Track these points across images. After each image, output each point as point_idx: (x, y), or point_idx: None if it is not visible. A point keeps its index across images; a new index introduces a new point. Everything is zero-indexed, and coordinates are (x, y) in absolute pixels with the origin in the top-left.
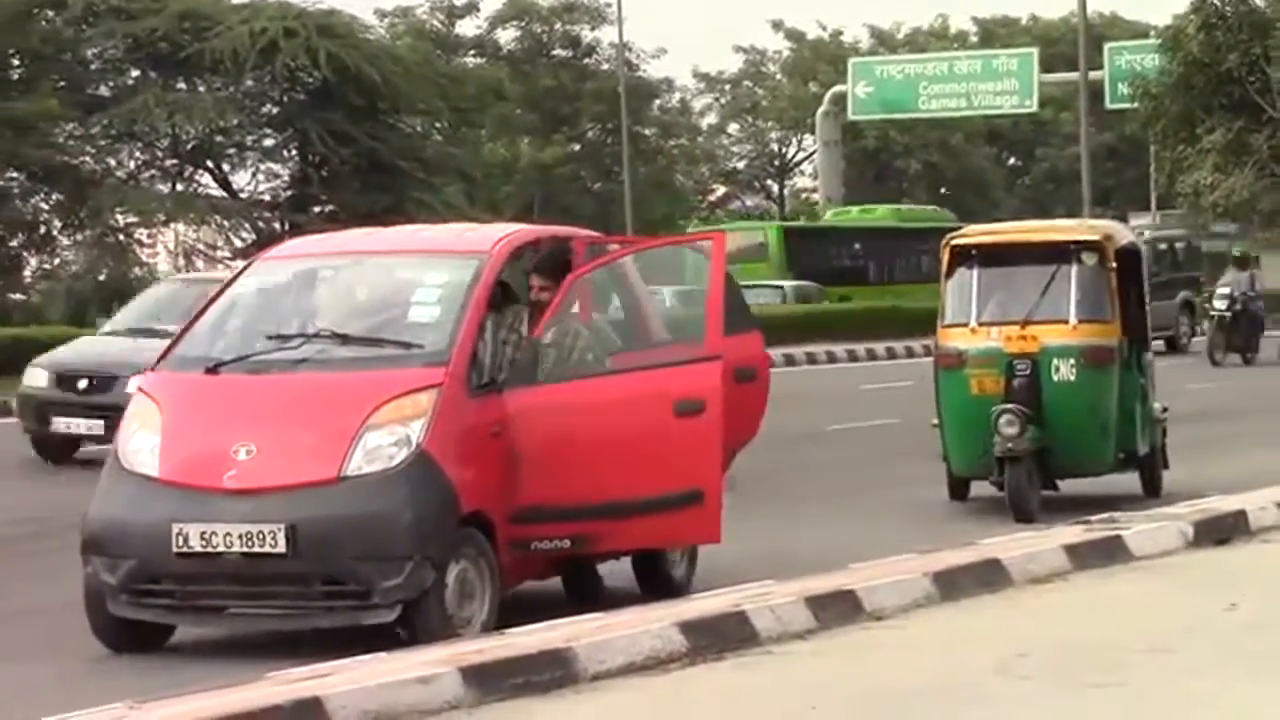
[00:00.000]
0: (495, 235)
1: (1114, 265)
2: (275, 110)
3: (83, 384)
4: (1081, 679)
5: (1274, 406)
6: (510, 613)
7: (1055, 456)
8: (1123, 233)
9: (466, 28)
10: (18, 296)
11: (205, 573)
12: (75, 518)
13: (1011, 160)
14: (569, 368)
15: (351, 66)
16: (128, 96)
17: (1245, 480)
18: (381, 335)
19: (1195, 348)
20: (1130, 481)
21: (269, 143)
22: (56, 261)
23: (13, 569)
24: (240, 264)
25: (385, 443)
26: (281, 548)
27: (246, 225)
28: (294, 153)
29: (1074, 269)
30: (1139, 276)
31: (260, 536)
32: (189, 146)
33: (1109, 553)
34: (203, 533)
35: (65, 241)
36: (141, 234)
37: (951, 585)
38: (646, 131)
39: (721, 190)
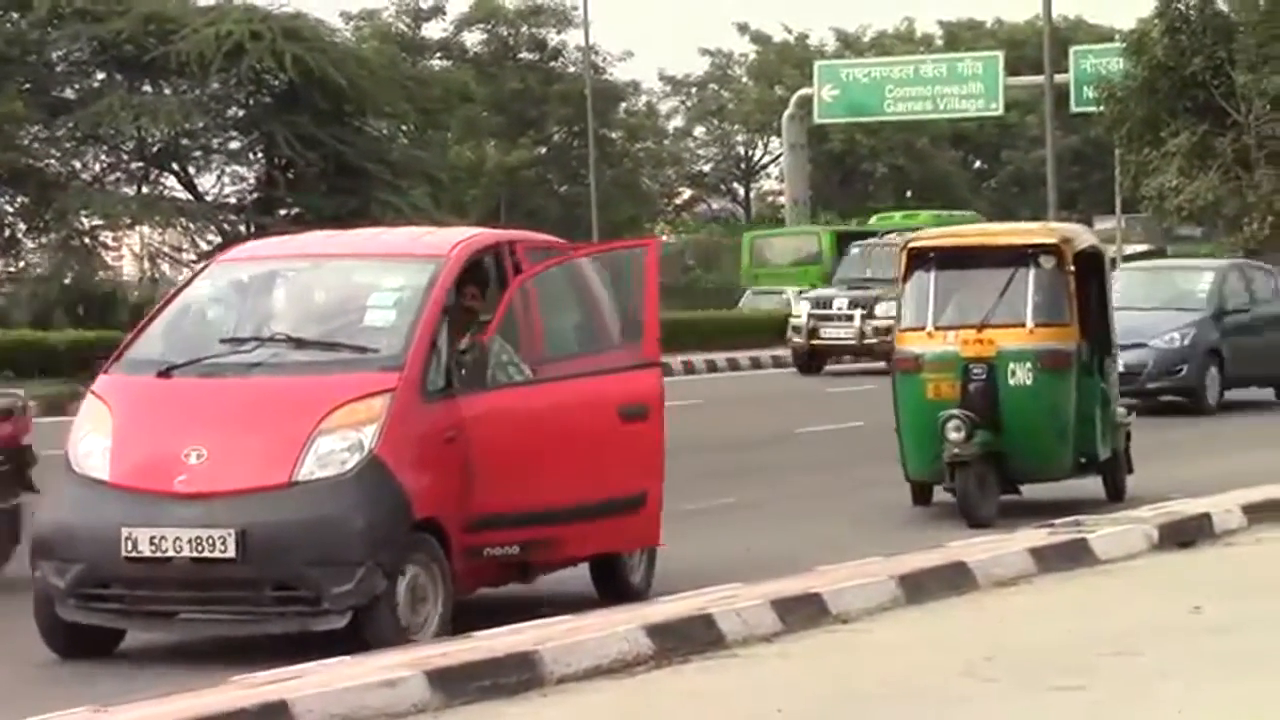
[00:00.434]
0: (453, 239)
1: (1072, 269)
2: (241, 113)
3: None
4: (1046, 681)
5: (1240, 410)
6: (476, 615)
7: (1013, 461)
8: (1084, 236)
9: (432, 31)
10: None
11: (155, 578)
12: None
13: (977, 163)
14: (517, 372)
15: (317, 70)
16: (93, 99)
17: (1210, 483)
18: (336, 339)
19: None
20: (1094, 486)
21: (235, 145)
22: (21, 265)
23: None
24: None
25: (338, 448)
26: (231, 553)
27: (212, 228)
28: (260, 155)
29: (1031, 272)
30: (1102, 280)
31: (210, 541)
32: (154, 149)
33: (1074, 556)
34: (152, 537)
35: (30, 244)
36: (107, 237)
37: (917, 588)
38: (613, 134)
39: (688, 193)
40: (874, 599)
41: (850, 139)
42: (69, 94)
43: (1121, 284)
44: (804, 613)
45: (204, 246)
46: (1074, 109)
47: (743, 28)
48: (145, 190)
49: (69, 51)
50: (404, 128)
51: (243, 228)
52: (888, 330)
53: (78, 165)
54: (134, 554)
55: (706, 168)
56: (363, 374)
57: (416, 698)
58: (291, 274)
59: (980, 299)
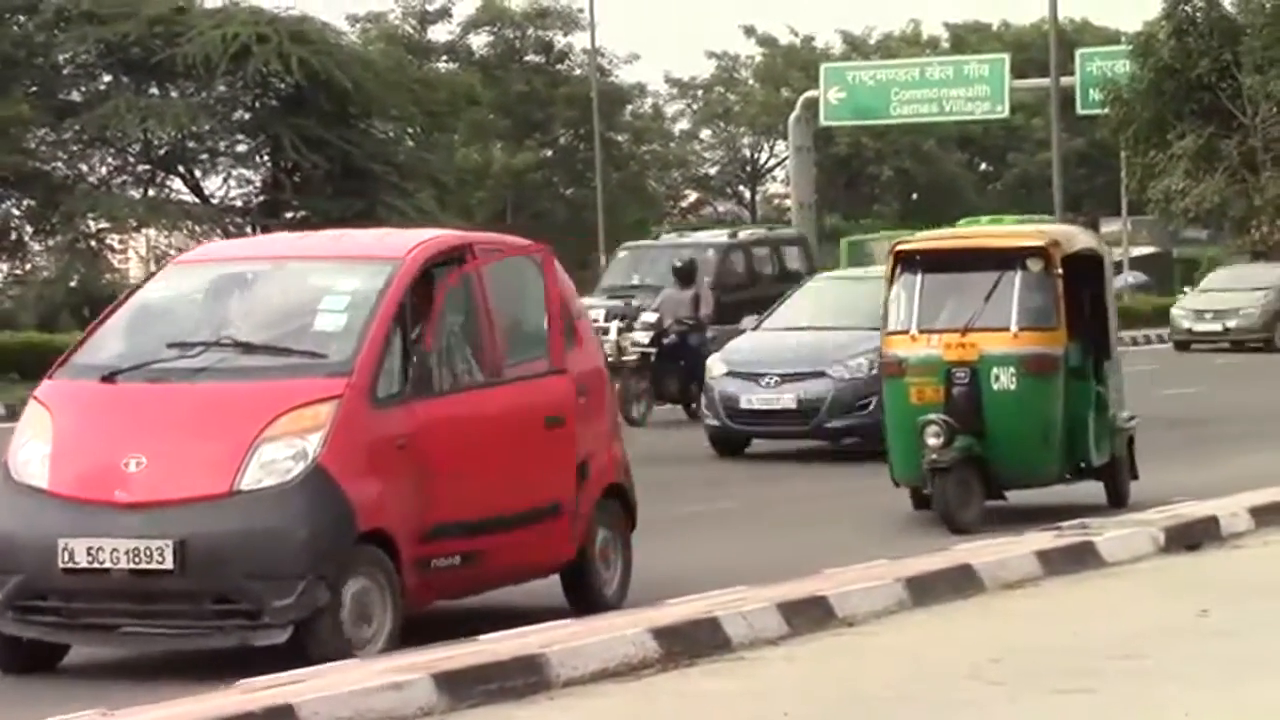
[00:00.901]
0: (411, 241)
1: (1060, 271)
2: (247, 116)
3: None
4: (1053, 684)
5: (1247, 413)
6: (484, 618)
7: (997, 466)
8: (1079, 238)
9: (438, 33)
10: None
11: (92, 590)
12: None
13: (983, 166)
14: (459, 378)
15: (323, 72)
16: (99, 102)
17: (1217, 486)
18: (285, 344)
19: None
20: (1098, 490)
21: (241, 148)
22: (28, 267)
23: None
24: None
25: (281, 456)
26: (169, 564)
27: (218, 231)
28: (266, 158)
29: (1018, 275)
30: (1100, 282)
31: (148, 553)
32: (161, 152)
33: (1080, 558)
34: (89, 548)
35: (36, 247)
36: (113, 240)
37: (923, 591)
38: (619, 137)
39: (694, 196)
40: (880, 602)
41: (856, 142)
42: (75, 97)
43: (800, 299)
44: (810, 616)
45: None
46: (1080, 111)
47: (749, 30)
48: (151, 193)
49: (75, 54)
50: (410, 130)
51: (249, 230)
52: (655, 341)
53: (84, 168)
54: (71, 565)
55: (712, 170)
56: (310, 380)
57: (423, 700)
58: (247, 277)
59: (966, 302)
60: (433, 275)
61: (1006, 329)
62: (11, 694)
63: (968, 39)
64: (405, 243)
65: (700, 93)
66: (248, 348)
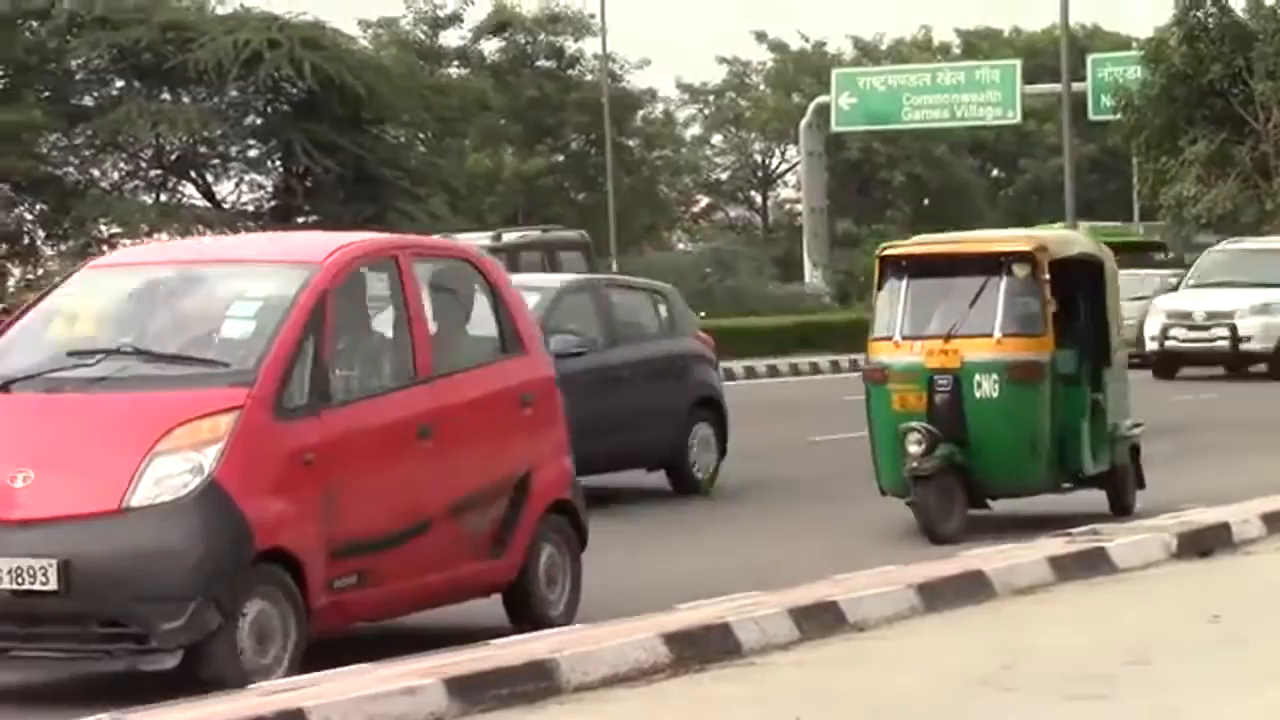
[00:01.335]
0: (333, 245)
1: (1047, 276)
2: (259, 121)
3: None
4: (1064, 690)
5: (1258, 419)
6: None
7: (980, 475)
8: (1074, 243)
9: (450, 39)
10: (0, 306)
11: None
12: None
13: (995, 171)
14: (379, 386)
15: (335, 78)
16: (112, 107)
17: (1228, 492)
18: (189, 352)
19: None
20: (1103, 499)
21: (253, 153)
22: (40, 272)
23: None
24: None
25: (175, 470)
26: (53, 585)
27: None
28: (278, 163)
29: (1003, 281)
30: (1100, 287)
31: (30, 572)
32: (173, 157)
33: (1092, 564)
34: None
35: (49, 252)
36: (125, 244)
37: (935, 597)
38: (630, 142)
39: (705, 201)
40: (892, 608)
41: (868, 147)
42: (88, 102)
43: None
44: (821, 621)
45: None
46: (1092, 117)
47: (760, 36)
48: (163, 198)
49: (88, 59)
50: (421, 135)
51: None
52: None
53: (96, 173)
54: None
55: (724, 176)
56: (210, 390)
57: (435, 706)
58: (160, 281)
59: (951, 308)
60: (356, 279)
61: (990, 335)
62: None
63: (979, 45)
64: (326, 246)
65: (711, 98)
66: (149, 356)
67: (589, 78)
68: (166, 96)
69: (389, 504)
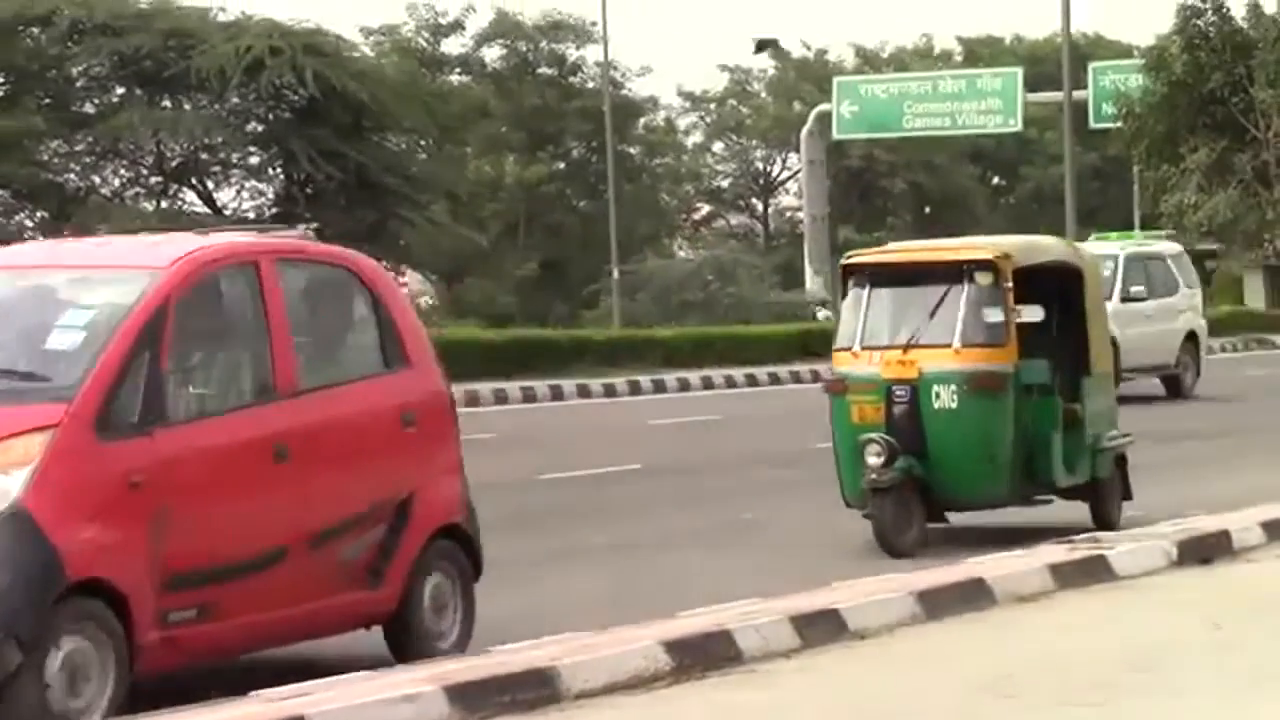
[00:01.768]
0: (181, 250)
1: (1010, 285)
2: (260, 128)
3: None
4: (1065, 698)
5: (1257, 426)
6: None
7: (939, 488)
8: (1048, 249)
9: (452, 46)
10: None
11: None
12: None
13: (996, 180)
14: (226, 401)
15: (337, 85)
16: (113, 114)
17: (1229, 500)
18: (8, 365)
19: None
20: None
21: (254, 160)
22: None
23: None
24: None
25: None
26: None
27: None
28: (279, 170)
29: (965, 290)
30: (1079, 295)
31: None
32: (174, 164)
33: (1093, 572)
34: None
35: None
36: None
37: (936, 604)
38: (631, 150)
39: (706, 209)
40: (893, 615)
41: (869, 155)
42: (89, 109)
43: None
44: (823, 628)
45: None
46: (1093, 125)
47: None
48: (164, 205)
49: (89, 66)
50: (422, 143)
51: None
52: None
53: (97, 180)
54: None
55: (725, 183)
56: (24, 407)
57: (436, 713)
58: None
59: (911, 318)
60: (206, 286)
61: (949, 345)
62: None
63: (980, 52)
64: (174, 251)
65: (713, 106)
66: None
67: (590, 85)
68: (168, 103)
69: (235, 531)
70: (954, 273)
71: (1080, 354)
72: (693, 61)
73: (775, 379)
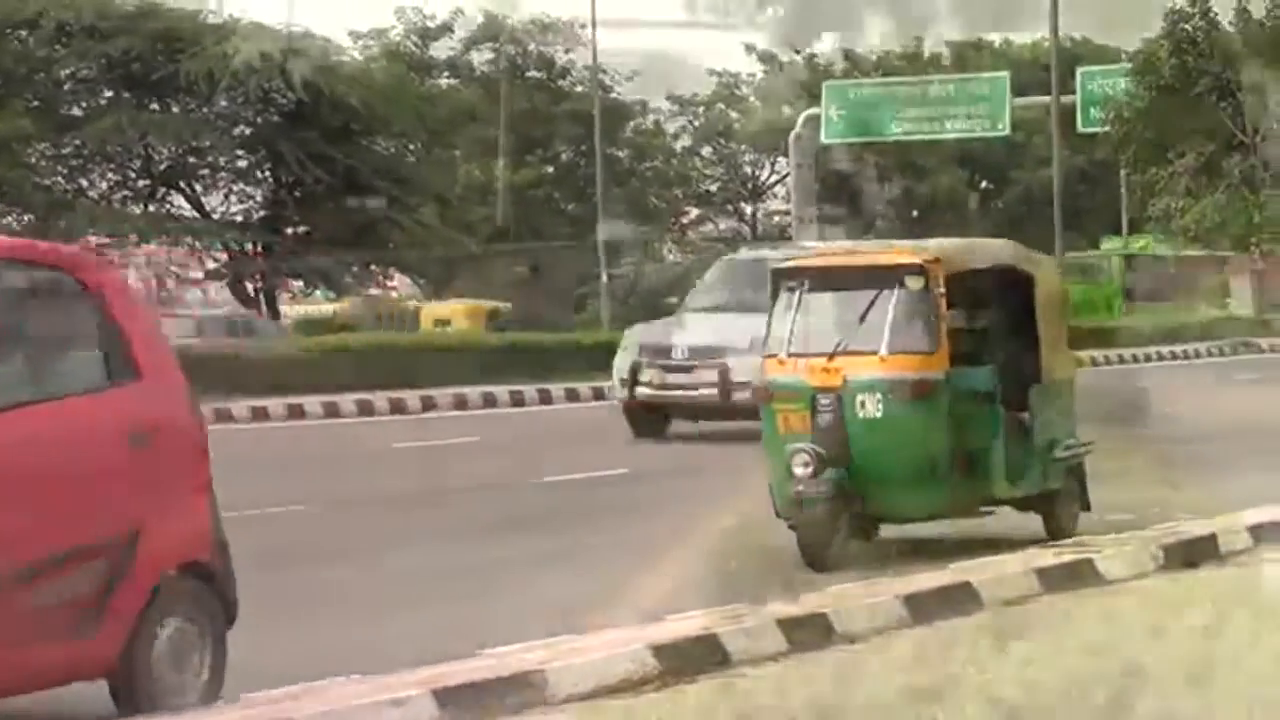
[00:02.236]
0: None
1: (942, 290)
2: (248, 131)
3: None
4: (1054, 702)
5: (1246, 430)
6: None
7: (871, 500)
8: (993, 253)
9: (440, 50)
10: None
11: None
12: None
13: (984, 184)
14: None
15: (326, 88)
16: (100, 117)
17: (1216, 504)
18: None
19: None
20: (1092, 523)
21: (242, 164)
22: None
23: None
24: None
25: None
26: None
27: (219, 246)
28: (267, 174)
29: (895, 295)
30: (1030, 301)
31: None
32: (162, 167)
33: (1079, 575)
34: None
35: None
36: (114, 255)
37: (923, 608)
38: (620, 154)
39: (694, 212)
40: (880, 619)
41: (857, 159)
42: (76, 112)
43: None
44: (810, 632)
45: (211, 264)
46: (1081, 129)
47: (749, 48)
48: (152, 208)
49: (77, 69)
50: (411, 146)
51: (250, 246)
52: None
53: (85, 183)
54: None
55: (713, 187)
56: None
57: (424, 716)
58: None
59: (840, 324)
60: None
61: (875, 352)
62: None
63: (969, 57)
64: None
65: (701, 110)
66: None
67: (579, 89)
68: (155, 106)
69: None
70: (884, 278)
71: (1033, 361)
72: (681, 66)
73: None
